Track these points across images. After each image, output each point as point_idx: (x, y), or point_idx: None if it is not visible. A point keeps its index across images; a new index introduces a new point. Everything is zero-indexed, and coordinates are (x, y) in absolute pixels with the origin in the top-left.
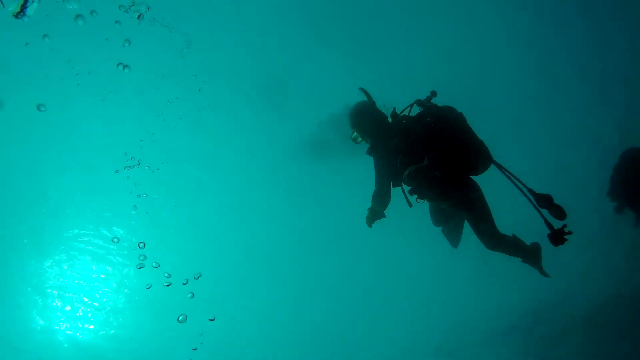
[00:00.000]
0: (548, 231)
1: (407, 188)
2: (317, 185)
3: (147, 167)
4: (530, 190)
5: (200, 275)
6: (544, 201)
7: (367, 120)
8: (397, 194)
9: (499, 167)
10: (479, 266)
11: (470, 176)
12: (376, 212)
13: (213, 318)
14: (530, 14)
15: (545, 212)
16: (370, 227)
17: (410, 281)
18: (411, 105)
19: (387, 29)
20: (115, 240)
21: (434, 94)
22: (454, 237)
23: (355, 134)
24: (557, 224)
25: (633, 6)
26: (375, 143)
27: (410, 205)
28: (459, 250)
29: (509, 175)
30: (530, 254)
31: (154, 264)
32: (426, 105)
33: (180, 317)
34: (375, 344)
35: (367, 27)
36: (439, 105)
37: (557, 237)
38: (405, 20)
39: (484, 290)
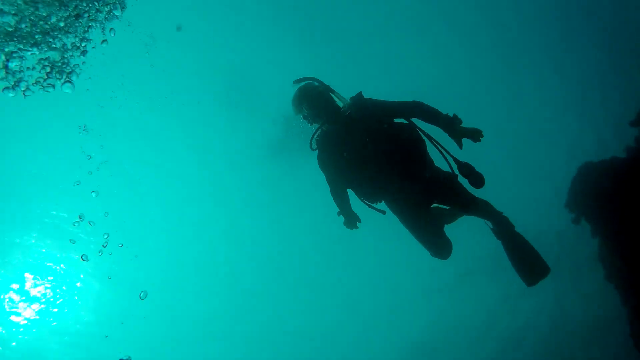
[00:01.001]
0: None
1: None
2: (277, 184)
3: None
4: (455, 160)
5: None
6: (465, 169)
7: (321, 100)
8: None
9: (428, 135)
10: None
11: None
12: (350, 217)
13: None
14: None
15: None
16: (356, 227)
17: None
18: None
19: (346, 27)
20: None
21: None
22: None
23: (305, 111)
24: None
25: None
26: (327, 128)
27: (383, 212)
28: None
29: (435, 142)
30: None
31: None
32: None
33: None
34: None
35: (328, 24)
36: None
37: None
38: (365, 19)
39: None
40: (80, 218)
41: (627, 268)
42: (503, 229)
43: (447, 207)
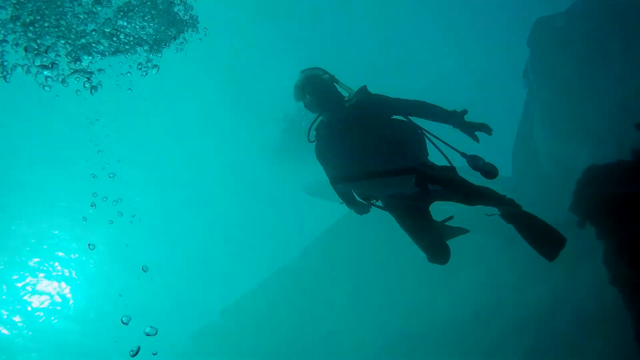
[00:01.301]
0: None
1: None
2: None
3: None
4: (462, 154)
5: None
6: (475, 161)
7: (324, 88)
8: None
9: (424, 130)
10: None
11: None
12: (353, 205)
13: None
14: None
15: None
16: (367, 212)
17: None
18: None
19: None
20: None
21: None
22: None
23: (308, 98)
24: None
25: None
26: (327, 118)
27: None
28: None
29: (437, 138)
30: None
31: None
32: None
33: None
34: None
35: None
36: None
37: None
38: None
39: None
40: (94, 201)
41: (633, 272)
42: (511, 211)
43: (441, 220)
